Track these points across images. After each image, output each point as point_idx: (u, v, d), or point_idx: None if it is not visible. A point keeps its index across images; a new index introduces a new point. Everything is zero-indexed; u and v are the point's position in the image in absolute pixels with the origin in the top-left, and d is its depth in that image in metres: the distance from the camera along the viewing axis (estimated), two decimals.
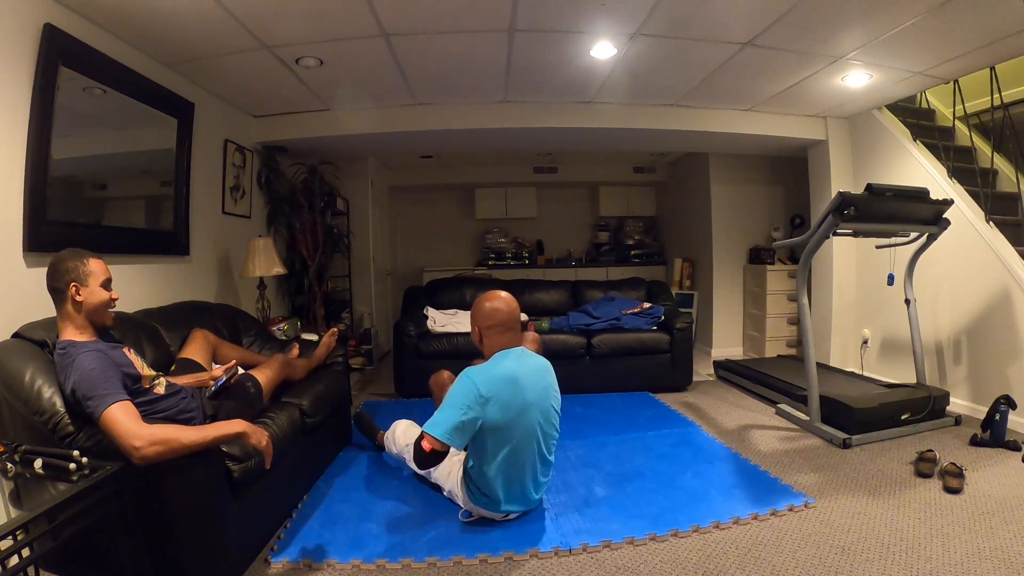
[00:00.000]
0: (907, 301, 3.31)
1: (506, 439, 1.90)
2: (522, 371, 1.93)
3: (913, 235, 3.20)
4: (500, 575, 1.74)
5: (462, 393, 1.85)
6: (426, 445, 1.82)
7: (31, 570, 1.16)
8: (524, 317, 3.34)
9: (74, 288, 1.60)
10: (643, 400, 3.71)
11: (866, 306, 4.17)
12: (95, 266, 1.66)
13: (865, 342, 4.13)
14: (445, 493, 2.20)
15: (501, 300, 2.00)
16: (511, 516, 2.04)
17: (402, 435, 2.44)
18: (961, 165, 3.57)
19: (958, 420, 3.04)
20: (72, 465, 1.33)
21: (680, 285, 5.80)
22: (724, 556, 1.81)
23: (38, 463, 1.35)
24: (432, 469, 2.16)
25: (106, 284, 1.68)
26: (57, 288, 1.61)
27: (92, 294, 1.64)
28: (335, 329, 3.04)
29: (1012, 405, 2.75)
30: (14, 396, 1.57)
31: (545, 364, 2.08)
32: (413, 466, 2.16)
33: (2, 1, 1.93)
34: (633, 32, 2.74)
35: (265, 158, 4.12)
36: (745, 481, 2.41)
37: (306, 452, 2.33)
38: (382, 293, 5.57)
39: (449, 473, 2.14)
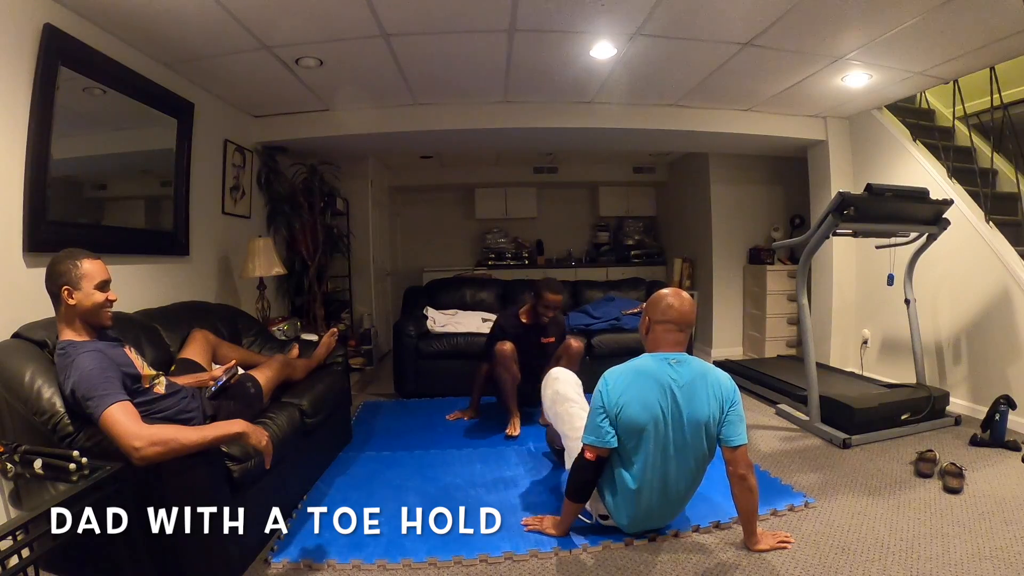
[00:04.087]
0: (907, 301, 3.31)
1: (635, 438, 1.80)
2: (662, 371, 1.80)
3: (913, 235, 3.20)
4: (500, 575, 1.74)
5: (595, 392, 1.85)
6: (588, 455, 1.82)
7: (31, 570, 1.16)
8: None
9: (67, 292, 1.59)
10: None
11: (866, 306, 4.16)
12: (90, 268, 1.63)
13: (865, 342, 4.13)
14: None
15: (677, 298, 1.88)
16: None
17: (550, 386, 2.34)
18: (961, 165, 3.57)
19: (958, 420, 3.04)
20: (72, 465, 1.33)
21: (680, 285, 5.80)
22: (724, 556, 1.81)
23: (38, 463, 1.35)
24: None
25: (102, 286, 1.66)
26: (52, 291, 1.61)
27: (86, 297, 1.62)
28: (335, 329, 3.04)
29: (1012, 405, 2.74)
30: (14, 396, 1.57)
31: (703, 373, 1.83)
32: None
33: (2, 1, 1.93)
34: (633, 32, 2.74)
35: (265, 158, 4.12)
36: None
37: (306, 452, 2.33)
38: (382, 293, 5.57)
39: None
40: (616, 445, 1.80)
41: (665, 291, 1.93)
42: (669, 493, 1.85)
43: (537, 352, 3.11)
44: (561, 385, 2.28)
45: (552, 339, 3.16)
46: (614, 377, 1.84)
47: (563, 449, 2.47)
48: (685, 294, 1.92)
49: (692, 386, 1.79)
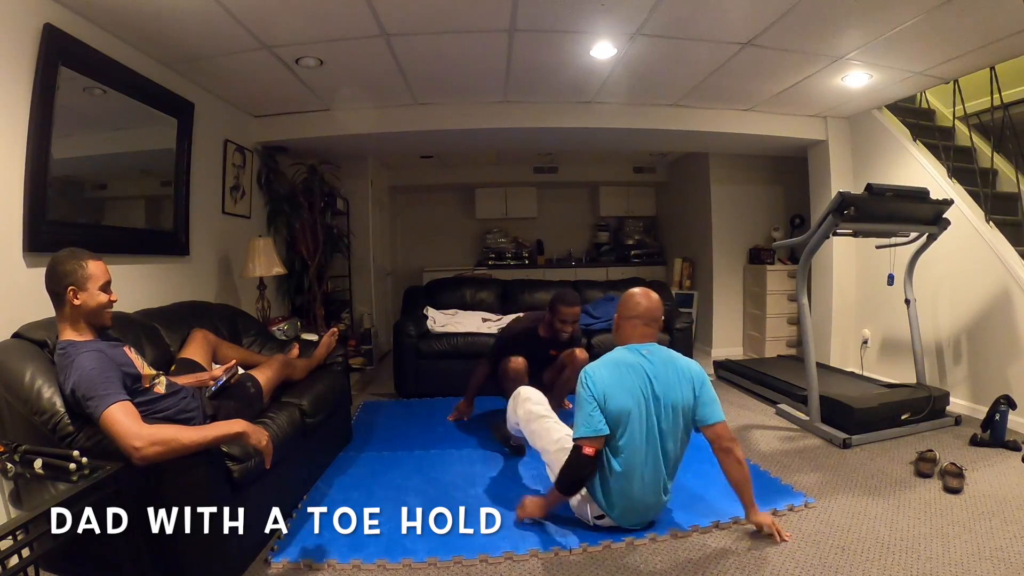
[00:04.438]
0: (907, 301, 3.31)
1: (621, 424, 1.86)
2: (637, 360, 1.91)
3: (913, 235, 3.20)
4: (500, 575, 1.74)
5: (579, 388, 1.92)
6: (587, 450, 1.84)
7: (31, 570, 1.16)
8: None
9: (72, 292, 1.59)
10: None
11: (866, 306, 4.16)
12: (94, 269, 1.64)
13: (865, 342, 4.13)
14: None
15: (645, 297, 2.01)
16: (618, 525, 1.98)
17: (521, 406, 2.38)
18: (961, 165, 3.57)
19: (958, 420, 3.04)
20: (72, 465, 1.33)
21: (680, 285, 5.80)
22: (724, 556, 1.81)
23: (38, 463, 1.35)
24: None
25: (105, 287, 1.67)
26: (55, 291, 1.61)
27: (91, 297, 1.62)
28: (335, 329, 3.04)
29: (1012, 405, 2.74)
30: (14, 396, 1.57)
31: (672, 359, 1.95)
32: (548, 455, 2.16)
33: (2, 1, 1.93)
34: (633, 32, 2.74)
35: (265, 158, 4.12)
36: None
37: (306, 452, 2.33)
38: (382, 293, 5.57)
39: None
40: (608, 432, 1.85)
41: (634, 290, 2.06)
42: (658, 478, 1.92)
43: (543, 360, 3.08)
44: (532, 405, 2.35)
45: (559, 353, 3.10)
46: (595, 370, 1.92)
47: (520, 445, 2.65)
48: (653, 293, 2.04)
49: (664, 372, 1.91)
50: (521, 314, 3.39)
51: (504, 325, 3.49)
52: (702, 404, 1.91)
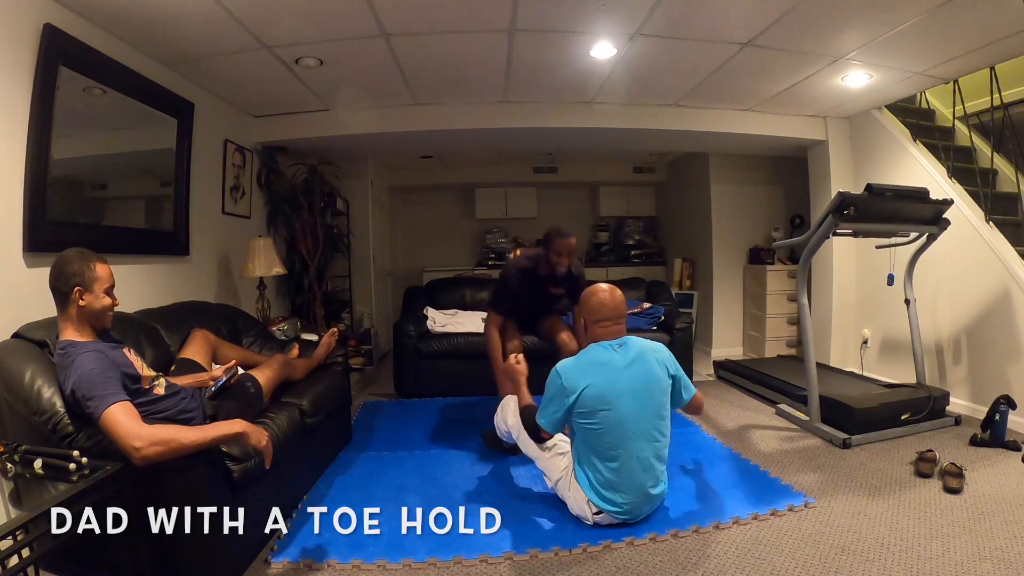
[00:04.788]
0: (907, 301, 3.31)
1: (601, 423, 1.94)
2: (610, 356, 1.99)
3: (913, 235, 3.20)
4: (500, 575, 1.74)
5: (549, 383, 2.02)
6: (544, 435, 2.09)
7: (31, 570, 1.16)
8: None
9: (78, 292, 1.60)
10: None
11: (866, 306, 4.16)
12: (101, 271, 1.65)
13: (865, 342, 4.13)
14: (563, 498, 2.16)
15: (609, 296, 2.07)
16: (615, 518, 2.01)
17: (512, 415, 2.40)
18: (961, 165, 3.57)
19: (958, 420, 3.04)
20: (72, 465, 1.33)
21: (680, 285, 5.80)
22: (724, 556, 1.81)
23: (38, 463, 1.35)
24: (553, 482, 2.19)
25: (109, 290, 1.68)
26: (60, 290, 1.61)
27: (96, 300, 1.63)
28: (335, 329, 3.04)
29: (1012, 405, 2.74)
30: (14, 396, 1.57)
31: (643, 348, 2.04)
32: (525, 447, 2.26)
33: (2, 1, 1.93)
34: (633, 32, 2.74)
35: (265, 158, 4.12)
36: (745, 481, 2.41)
37: (306, 452, 2.33)
38: (382, 293, 5.57)
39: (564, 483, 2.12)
40: (560, 431, 2.08)
41: (596, 289, 2.10)
42: (649, 466, 1.98)
43: (542, 302, 2.97)
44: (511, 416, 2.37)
45: (562, 291, 2.91)
46: (567, 367, 2.00)
47: (514, 445, 2.55)
48: (616, 291, 2.09)
49: (639, 361, 2.00)
50: (518, 251, 3.33)
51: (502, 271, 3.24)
52: (679, 389, 2.09)
